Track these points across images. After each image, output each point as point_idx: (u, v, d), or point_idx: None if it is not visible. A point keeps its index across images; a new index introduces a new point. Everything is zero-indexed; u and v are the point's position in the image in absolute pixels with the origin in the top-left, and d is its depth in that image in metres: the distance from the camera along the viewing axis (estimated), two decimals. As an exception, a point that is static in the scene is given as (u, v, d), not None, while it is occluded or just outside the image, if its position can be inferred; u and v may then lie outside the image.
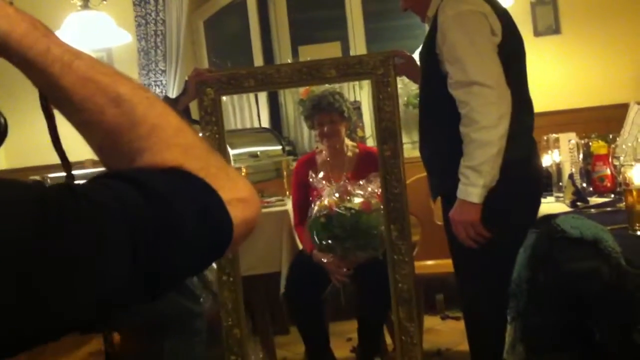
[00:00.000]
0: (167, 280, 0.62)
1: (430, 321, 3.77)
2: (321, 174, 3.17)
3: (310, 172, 3.18)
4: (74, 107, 0.68)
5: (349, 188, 3.04)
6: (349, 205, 2.95)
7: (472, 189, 2.17)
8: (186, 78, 2.93)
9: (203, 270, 0.71)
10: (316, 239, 2.98)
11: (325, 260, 3.02)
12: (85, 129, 0.70)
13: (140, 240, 0.58)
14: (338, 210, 2.93)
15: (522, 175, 2.26)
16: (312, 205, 3.05)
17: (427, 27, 2.45)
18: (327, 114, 3.22)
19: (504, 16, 2.27)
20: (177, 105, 2.86)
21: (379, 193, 3.03)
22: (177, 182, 0.64)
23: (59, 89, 0.68)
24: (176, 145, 0.68)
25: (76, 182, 0.66)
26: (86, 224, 0.56)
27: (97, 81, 0.68)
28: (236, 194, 0.68)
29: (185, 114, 3.02)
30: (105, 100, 0.68)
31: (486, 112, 2.14)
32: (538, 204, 2.35)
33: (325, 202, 2.99)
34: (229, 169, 0.71)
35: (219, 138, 2.67)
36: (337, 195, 3.01)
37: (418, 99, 2.61)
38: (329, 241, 2.95)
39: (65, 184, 0.59)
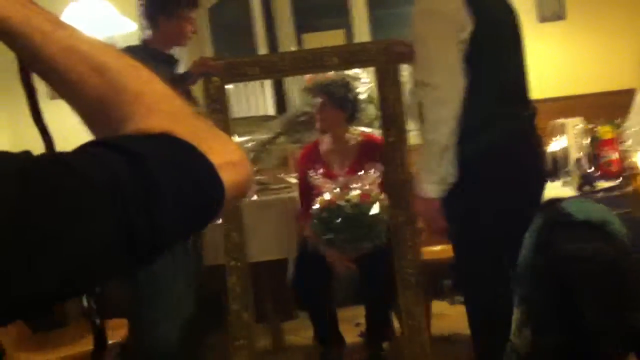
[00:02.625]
0: (156, 244, 0.60)
1: (439, 306, 3.77)
2: (320, 170, 3.18)
3: (309, 172, 3.19)
4: (57, 77, 0.68)
5: (348, 181, 3.07)
6: (348, 197, 2.97)
7: (425, 185, 2.24)
8: (190, 66, 2.94)
9: (196, 232, 0.70)
10: (319, 233, 3.00)
11: (327, 254, 3.04)
12: (71, 99, 0.69)
13: (125, 205, 0.57)
14: (338, 203, 2.96)
15: (501, 161, 2.26)
16: (314, 202, 3.06)
17: None
18: (326, 103, 3.22)
19: (482, 6, 2.25)
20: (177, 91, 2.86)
21: (379, 183, 3.05)
22: (163, 147, 0.63)
23: (42, 60, 0.67)
24: (162, 111, 0.68)
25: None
26: (67, 191, 0.56)
27: (80, 50, 0.67)
28: (226, 157, 0.67)
29: (188, 98, 3.03)
30: (88, 69, 0.67)
31: (434, 112, 2.21)
32: (528, 188, 2.34)
33: (326, 198, 3.01)
34: (218, 132, 0.70)
35: (224, 126, 2.67)
36: (337, 189, 3.03)
37: None
38: (332, 234, 2.97)
39: (48, 154, 0.59)
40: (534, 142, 2.40)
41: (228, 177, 0.66)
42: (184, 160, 0.64)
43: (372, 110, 4.21)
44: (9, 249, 0.52)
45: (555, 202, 1.98)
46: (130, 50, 3.08)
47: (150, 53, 3.02)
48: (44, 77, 0.69)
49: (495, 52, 2.30)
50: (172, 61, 3.14)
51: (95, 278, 0.59)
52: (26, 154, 0.59)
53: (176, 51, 4.58)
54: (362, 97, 4.03)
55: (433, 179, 2.23)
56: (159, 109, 0.68)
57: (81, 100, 0.69)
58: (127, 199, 0.58)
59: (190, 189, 0.63)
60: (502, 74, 2.33)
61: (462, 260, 2.40)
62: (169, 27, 3.04)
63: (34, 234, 0.53)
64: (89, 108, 0.69)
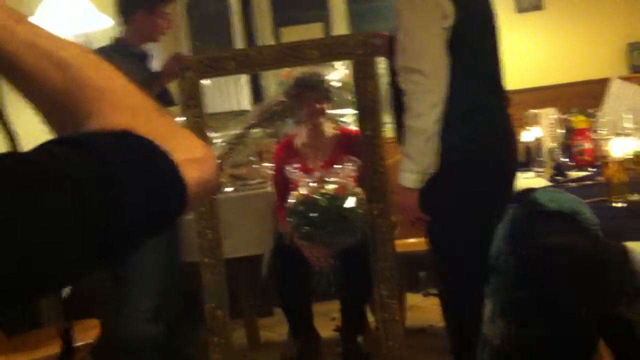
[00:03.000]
0: (115, 240, 0.59)
1: (413, 299, 3.78)
2: (297, 165, 3.17)
3: (286, 165, 3.18)
4: (18, 74, 0.67)
5: (324, 175, 3.06)
6: (323, 191, 2.97)
7: (407, 174, 2.23)
8: (163, 65, 2.93)
9: (159, 232, 0.69)
10: (295, 227, 2.99)
11: (304, 248, 3.04)
12: (32, 96, 0.68)
13: (82, 200, 0.56)
14: (314, 196, 2.95)
15: (480, 153, 2.27)
16: (289, 196, 3.05)
17: None
18: (315, 93, 3.22)
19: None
20: (152, 88, 2.86)
21: (354, 177, 3.05)
22: (124, 144, 0.63)
23: (2, 56, 0.66)
24: (124, 107, 0.67)
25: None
26: (21, 181, 0.55)
27: (41, 46, 0.66)
28: (189, 154, 0.66)
29: (165, 95, 3.02)
30: (49, 65, 0.66)
31: (418, 99, 2.19)
32: (507, 179, 2.36)
33: (302, 191, 3.00)
34: (181, 129, 0.70)
35: (199, 121, 2.65)
36: (312, 183, 3.02)
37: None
38: (307, 228, 2.96)
39: (5, 152, 0.58)
40: (509, 134, 2.41)
41: (191, 174, 0.65)
42: (145, 158, 0.63)
43: (346, 96, 4.21)
44: None
45: (528, 192, 1.99)
46: (102, 50, 3.07)
47: (123, 50, 3.00)
48: (5, 73, 0.68)
49: (474, 42, 2.30)
50: (145, 57, 3.12)
51: (55, 270, 0.57)
52: None
53: (151, 45, 4.56)
54: (336, 84, 4.04)
55: (415, 168, 2.22)
56: (121, 105, 0.67)
57: (43, 97, 0.68)
58: (84, 194, 0.56)
59: (150, 187, 0.62)
60: (481, 65, 2.33)
61: (440, 252, 2.39)
62: (145, 23, 3.03)
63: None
64: (50, 105, 0.68)
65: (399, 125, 2.43)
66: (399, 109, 2.39)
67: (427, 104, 2.18)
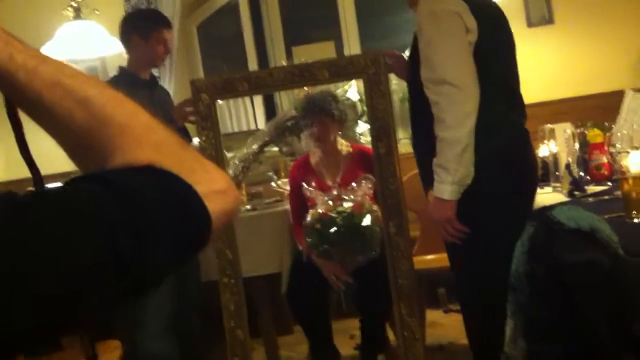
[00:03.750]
0: (143, 275, 0.61)
1: (433, 315, 3.76)
2: (313, 183, 3.18)
3: (303, 183, 3.19)
4: (43, 112, 0.68)
5: (341, 193, 3.06)
6: (341, 209, 2.97)
7: (443, 186, 2.22)
8: (173, 112, 2.97)
9: (185, 264, 0.70)
10: (312, 245, 3.00)
11: (322, 266, 3.04)
12: (57, 133, 0.70)
13: (111, 235, 0.57)
14: (331, 215, 2.95)
15: (503, 168, 2.27)
16: (307, 214, 3.06)
17: None
18: (317, 116, 3.23)
19: (482, 12, 2.27)
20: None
21: (371, 194, 3.05)
22: (149, 180, 0.64)
23: (27, 96, 0.68)
24: (148, 143, 0.68)
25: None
26: (51, 221, 0.56)
27: (64, 84, 0.68)
28: (213, 186, 0.68)
29: (181, 132, 3.06)
30: (73, 104, 0.67)
31: (451, 110, 2.18)
32: (530, 195, 2.36)
33: (319, 210, 3.01)
34: (204, 161, 0.70)
35: (215, 142, 2.67)
36: (329, 202, 3.03)
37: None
38: (325, 246, 2.96)
39: (32, 192, 0.60)
40: (530, 148, 2.41)
41: (215, 206, 0.66)
42: (170, 192, 0.64)
43: (358, 108, 4.23)
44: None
45: (545, 210, 1.98)
46: (110, 82, 3.11)
47: (128, 78, 3.04)
48: (30, 112, 0.70)
49: (496, 57, 2.30)
50: (150, 84, 3.15)
51: (87, 306, 0.59)
52: (8, 194, 0.59)
53: (167, 71, 4.60)
54: (354, 98, 4.06)
55: (451, 179, 2.18)
56: (145, 140, 0.68)
57: (67, 135, 0.69)
58: (113, 230, 0.58)
59: (176, 220, 0.63)
60: (503, 80, 2.33)
61: (465, 265, 2.37)
62: (142, 49, 3.06)
63: (20, 263, 0.53)
64: (75, 142, 0.69)
65: (419, 139, 2.43)
66: (419, 122, 2.39)
67: (460, 115, 2.16)
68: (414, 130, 2.49)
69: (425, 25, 2.24)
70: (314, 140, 3.30)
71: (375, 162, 2.64)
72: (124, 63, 3.21)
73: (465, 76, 2.18)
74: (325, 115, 3.23)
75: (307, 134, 3.37)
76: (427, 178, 2.40)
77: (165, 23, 3.12)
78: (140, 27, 3.08)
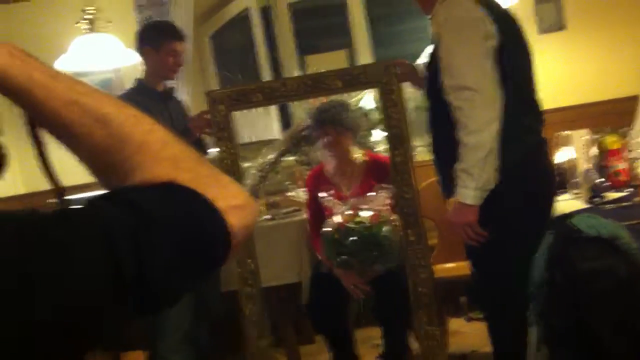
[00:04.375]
0: (157, 296, 0.61)
1: (455, 324, 3.75)
2: (331, 191, 3.19)
3: (320, 194, 3.20)
4: (62, 131, 0.70)
5: (358, 202, 3.06)
6: (358, 219, 2.97)
7: (466, 191, 2.22)
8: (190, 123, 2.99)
9: (205, 279, 0.71)
10: (331, 256, 3.00)
11: (341, 277, 3.04)
12: (76, 151, 0.71)
13: (119, 259, 0.58)
14: (348, 225, 2.96)
15: (527, 175, 2.27)
16: (324, 224, 3.06)
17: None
18: (328, 126, 3.24)
19: (500, 19, 2.28)
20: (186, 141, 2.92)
21: (388, 204, 3.05)
22: (169, 197, 0.65)
23: (46, 115, 0.69)
24: (165, 159, 0.69)
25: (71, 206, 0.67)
26: (59, 240, 0.57)
27: (82, 103, 0.69)
28: (232, 201, 0.68)
29: (199, 143, 3.09)
30: (92, 122, 0.69)
31: (474, 116, 2.18)
32: (549, 203, 2.36)
33: (335, 220, 3.01)
34: (221, 176, 0.72)
35: (232, 153, 2.69)
36: (347, 211, 3.03)
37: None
38: (343, 257, 2.97)
39: (57, 210, 0.61)
40: (549, 155, 2.42)
41: (234, 220, 0.67)
42: (188, 208, 0.65)
43: (373, 116, 4.23)
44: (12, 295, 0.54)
45: (565, 218, 1.99)
46: (125, 95, 3.14)
47: (143, 91, 3.07)
48: (50, 130, 0.71)
49: (516, 64, 2.31)
50: (165, 96, 3.18)
51: (93, 323, 0.60)
52: (30, 211, 0.61)
53: (182, 81, 4.63)
54: (370, 105, 4.05)
55: (474, 185, 2.19)
56: (163, 157, 0.69)
57: (87, 152, 0.71)
58: (120, 249, 0.59)
59: (195, 236, 0.64)
60: (523, 86, 2.34)
61: (486, 272, 2.37)
62: (154, 61, 3.10)
63: (33, 279, 0.55)
64: (95, 159, 0.71)
65: (439, 146, 2.43)
66: (439, 130, 2.39)
67: (483, 119, 2.17)
68: (433, 138, 2.50)
69: (445, 32, 2.24)
70: (325, 150, 3.31)
71: (391, 171, 2.65)
72: (139, 74, 3.24)
73: (486, 81, 2.18)
74: (335, 125, 3.24)
75: (319, 144, 3.38)
76: (448, 186, 2.40)
77: (175, 35, 3.14)
78: (151, 40, 3.12)
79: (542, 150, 2.37)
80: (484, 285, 2.43)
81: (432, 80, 2.40)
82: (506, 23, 2.30)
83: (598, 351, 1.79)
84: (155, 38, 3.13)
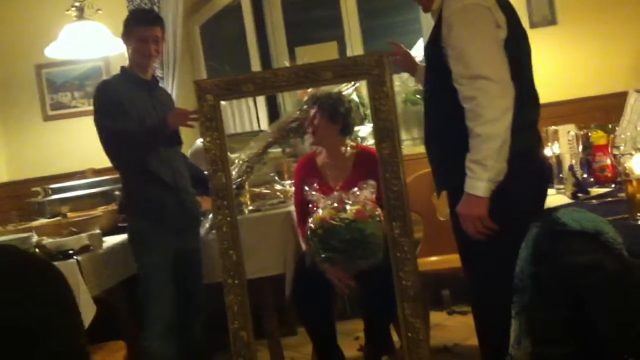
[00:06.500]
0: None
1: (437, 317, 3.77)
2: (315, 186, 3.18)
3: (305, 187, 3.19)
4: None
5: (343, 198, 3.06)
6: (343, 215, 2.97)
7: (478, 182, 2.17)
8: (168, 118, 2.98)
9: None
10: (316, 251, 3.00)
11: (326, 271, 3.04)
12: None
13: None
14: (333, 222, 2.95)
15: (526, 168, 2.25)
16: (309, 219, 3.06)
17: (424, 22, 2.46)
18: (321, 116, 3.24)
19: (507, 10, 2.26)
20: (162, 132, 2.93)
21: (373, 199, 3.05)
22: None
23: None
24: None
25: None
26: None
27: None
28: None
29: (174, 136, 3.08)
30: None
31: (490, 105, 2.13)
32: (544, 196, 2.35)
33: (321, 214, 3.00)
34: None
35: (220, 143, 2.67)
36: (333, 205, 3.03)
37: (420, 94, 2.62)
38: (328, 253, 2.96)
39: None
40: (543, 150, 2.40)
41: None
42: None
43: (363, 111, 4.23)
44: None
45: (549, 211, 1.98)
46: (109, 81, 3.14)
47: (127, 78, 3.07)
48: None
49: (522, 55, 2.29)
50: (151, 84, 3.17)
51: None
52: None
53: (171, 71, 4.61)
54: (352, 99, 4.05)
55: (487, 176, 2.14)
56: None
57: None
58: None
59: None
60: (525, 80, 2.32)
61: (482, 268, 2.34)
62: (132, 49, 3.10)
63: None
64: None
65: (435, 139, 2.40)
66: (435, 122, 2.37)
67: (498, 110, 2.13)
68: (429, 129, 2.46)
69: (456, 21, 2.20)
70: (316, 140, 3.31)
71: (379, 164, 2.65)
72: (125, 63, 3.23)
73: (501, 71, 2.15)
74: (329, 115, 3.24)
75: (310, 134, 3.37)
76: (445, 182, 2.38)
77: (143, 20, 3.13)
78: (126, 27, 3.13)
79: (540, 143, 2.37)
80: (475, 278, 2.41)
81: (432, 70, 2.38)
82: (512, 14, 2.27)
83: (585, 346, 1.79)
84: (127, 25, 3.13)
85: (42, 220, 3.56)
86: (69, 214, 3.55)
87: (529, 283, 1.91)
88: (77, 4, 4.14)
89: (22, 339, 0.69)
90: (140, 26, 3.08)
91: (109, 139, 3.00)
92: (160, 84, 4.56)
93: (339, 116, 3.28)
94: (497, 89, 2.13)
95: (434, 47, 2.33)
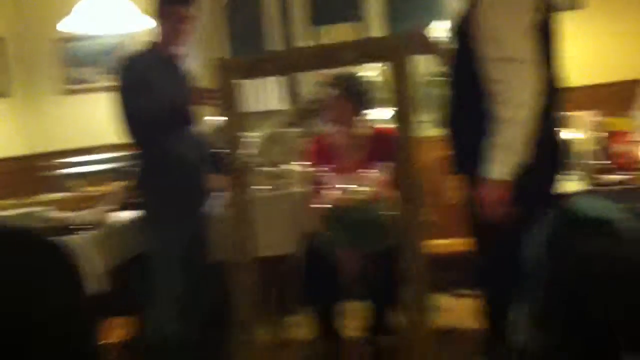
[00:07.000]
0: None
1: (443, 300, 3.75)
2: (329, 166, 3.17)
3: (319, 168, 3.18)
4: None
5: (356, 179, 3.05)
6: (357, 197, 2.97)
7: (504, 167, 2.14)
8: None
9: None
10: (327, 232, 3.00)
11: (337, 252, 3.04)
12: None
13: None
14: (346, 204, 2.95)
15: (543, 151, 2.22)
16: (323, 199, 3.06)
17: (447, 3, 2.42)
18: (337, 97, 3.23)
19: None
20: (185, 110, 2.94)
21: (386, 181, 3.03)
22: None
23: None
24: None
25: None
26: None
27: None
28: None
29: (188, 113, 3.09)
30: None
31: (522, 89, 2.10)
32: (559, 181, 2.33)
33: (335, 195, 3.00)
34: None
35: (238, 121, 2.68)
36: (347, 186, 3.02)
37: (442, 76, 2.59)
38: (340, 233, 2.97)
39: None
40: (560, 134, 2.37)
41: None
42: None
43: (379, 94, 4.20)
44: None
45: (565, 198, 1.96)
46: (136, 57, 3.13)
47: (156, 55, 3.07)
48: None
49: (554, 39, 2.26)
50: (176, 63, 3.18)
51: None
52: None
53: (195, 49, 4.60)
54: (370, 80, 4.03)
55: (514, 160, 2.12)
56: None
57: None
58: None
59: None
60: (552, 64, 2.28)
61: (496, 252, 2.32)
62: (165, 27, 3.09)
63: None
64: None
65: (460, 121, 2.37)
66: (462, 105, 2.34)
67: (531, 93, 2.10)
68: (454, 115, 2.43)
69: (493, 3, 2.17)
70: (335, 121, 3.30)
71: (396, 146, 2.63)
72: (153, 38, 3.22)
73: (534, 54, 2.12)
74: (348, 96, 3.22)
75: (329, 114, 3.36)
76: (465, 161, 2.35)
77: (182, 0, 3.12)
78: (161, 4, 3.12)
79: (558, 128, 2.33)
80: (489, 264, 2.40)
81: (462, 52, 2.35)
82: None
83: (595, 333, 1.78)
84: (166, 3, 3.12)
85: (59, 195, 3.59)
86: (86, 188, 3.57)
87: (543, 269, 1.90)
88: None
89: (21, 325, 0.70)
90: (179, 5, 3.08)
91: (132, 116, 3.01)
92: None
93: (357, 96, 3.26)
94: (528, 72, 2.10)
95: (464, 30, 2.30)
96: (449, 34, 2.48)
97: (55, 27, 4.42)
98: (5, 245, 0.79)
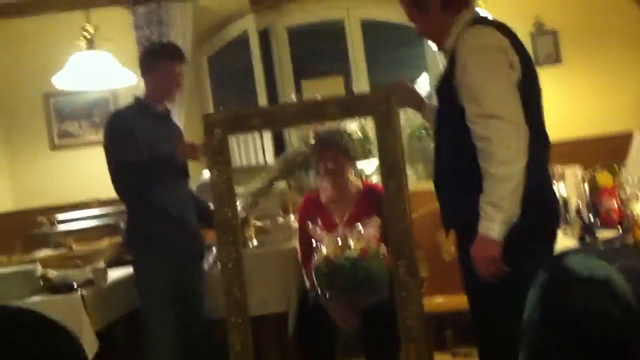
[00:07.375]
0: None
1: (440, 358, 3.73)
2: (320, 221, 3.17)
3: (309, 222, 3.19)
4: None
5: (348, 234, 3.05)
6: (347, 254, 2.96)
7: (492, 224, 2.14)
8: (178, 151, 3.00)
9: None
10: (320, 288, 2.99)
11: (330, 308, 3.03)
12: None
13: None
14: (337, 261, 2.94)
15: (537, 208, 2.24)
16: (313, 256, 3.05)
17: (429, 58, 2.46)
18: (332, 152, 3.24)
19: (521, 50, 2.27)
20: (172, 164, 2.94)
21: (377, 236, 3.04)
22: None
23: None
24: None
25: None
26: None
27: None
28: None
29: (182, 168, 3.10)
30: None
31: (504, 146, 2.12)
32: (554, 236, 2.34)
33: (325, 252, 3.00)
34: None
35: (226, 178, 2.68)
36: (337, 242, 3.02)
37: (426, 130, 2.61)
38: (332, 291, 2.96)
39: None
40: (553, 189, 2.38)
41: None
42: None
43: (367, 146, 4.24)
44: None
45: (557, 257, 1.97)
46: (124, 112, 3.15)
47: (141, 110, 3.08)
48: None
49: (534, 96, 2.29)
50: (164, 117, 3.19)
51: None
52: None
53: (178, 102, 4.63)
54: (357, 135, 4.07)
55: (502, 218, 2.12)
56: None
57: None
58: None
59: None
60: (537, 120, 2.30)
61: (490, 309, 2.31)
62: (153, 82, 3.10)
63: None
64: None
65: (446, 177, 2.39)
66: (446, 160, 2.36)
67: (514, 150, 2.12)
68: (439, 170, 2.45)
69: (471, 60, 2.20)
70: (326, 176, 3.31)
71: (385, 201, 2.64)
72: (138, 94, 3.24)
73: (515, 111, 2.14)
74: (338, 151, 3.25)
75: (320, 169, 3.38)
76: (453, 220, 2.36)
77: (174, 56, 3.14)
78: (147, 60, 3.14)
79: (550, 182, 2.35)
80: (484, 322, 2.38)
81: (443, 107, 2.38)
82: (525, 55, 2.28)
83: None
84: (149, 59, 3.14)
85: (47, 252, 3.56)
86: (74, 245, 3.54)
87: (536, 329, 1.89)
88: (86, 34, 4.18)
89: None
90: (167, 60, 3.10)
91: (119, 170, 3.00)
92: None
93: (352, 150, 3.30)
94: (511, 129, 2.12)
95: (447, 85, 2.32)
96: (432, 88, 2.52)
97: (41, 81, 4.43)
98: (17, 329, 0.79)
